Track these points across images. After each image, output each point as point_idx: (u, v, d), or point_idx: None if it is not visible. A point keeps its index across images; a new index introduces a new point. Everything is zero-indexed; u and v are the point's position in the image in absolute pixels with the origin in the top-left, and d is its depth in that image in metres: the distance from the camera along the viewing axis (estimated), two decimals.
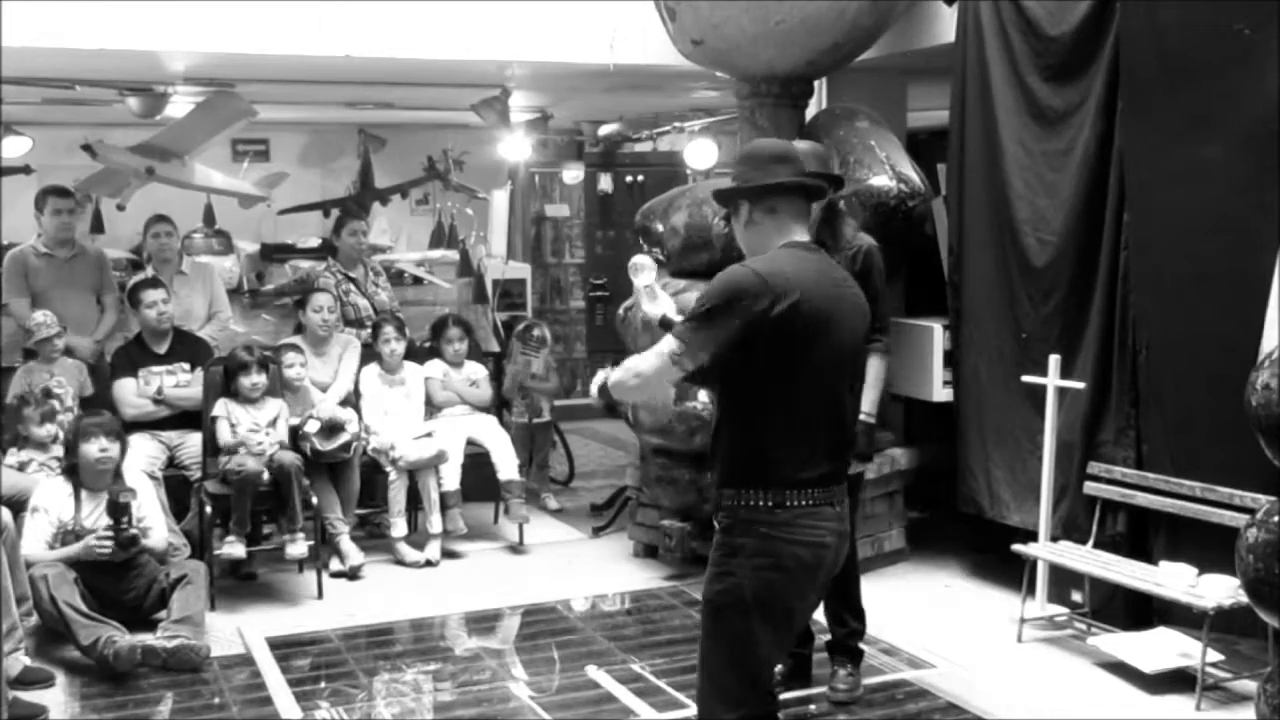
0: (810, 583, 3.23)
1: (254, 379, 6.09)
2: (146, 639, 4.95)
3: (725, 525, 3.24)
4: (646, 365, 3.15)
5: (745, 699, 3.23)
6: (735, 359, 3.12)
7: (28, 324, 6.37)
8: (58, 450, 5.67)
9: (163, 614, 5.19)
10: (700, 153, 9.66)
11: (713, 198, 3.51)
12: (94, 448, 5.26)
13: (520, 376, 7.67)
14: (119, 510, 5.05)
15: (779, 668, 4.47)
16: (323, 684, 4.95)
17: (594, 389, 3.32)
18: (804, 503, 3.16)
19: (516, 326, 7.95)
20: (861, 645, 4.80)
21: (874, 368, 4.60)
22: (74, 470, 5.30)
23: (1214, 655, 4.63)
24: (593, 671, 5.01)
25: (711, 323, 3.09)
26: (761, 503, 3.16)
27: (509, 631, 5.75)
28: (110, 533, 5.04)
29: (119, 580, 5.19)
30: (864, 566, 6.10)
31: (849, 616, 4.74)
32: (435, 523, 6.59)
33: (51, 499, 5.25)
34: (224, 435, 6.01)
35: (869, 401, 4.55)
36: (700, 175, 9.73)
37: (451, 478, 6.61)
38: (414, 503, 6.71)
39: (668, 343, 3.13)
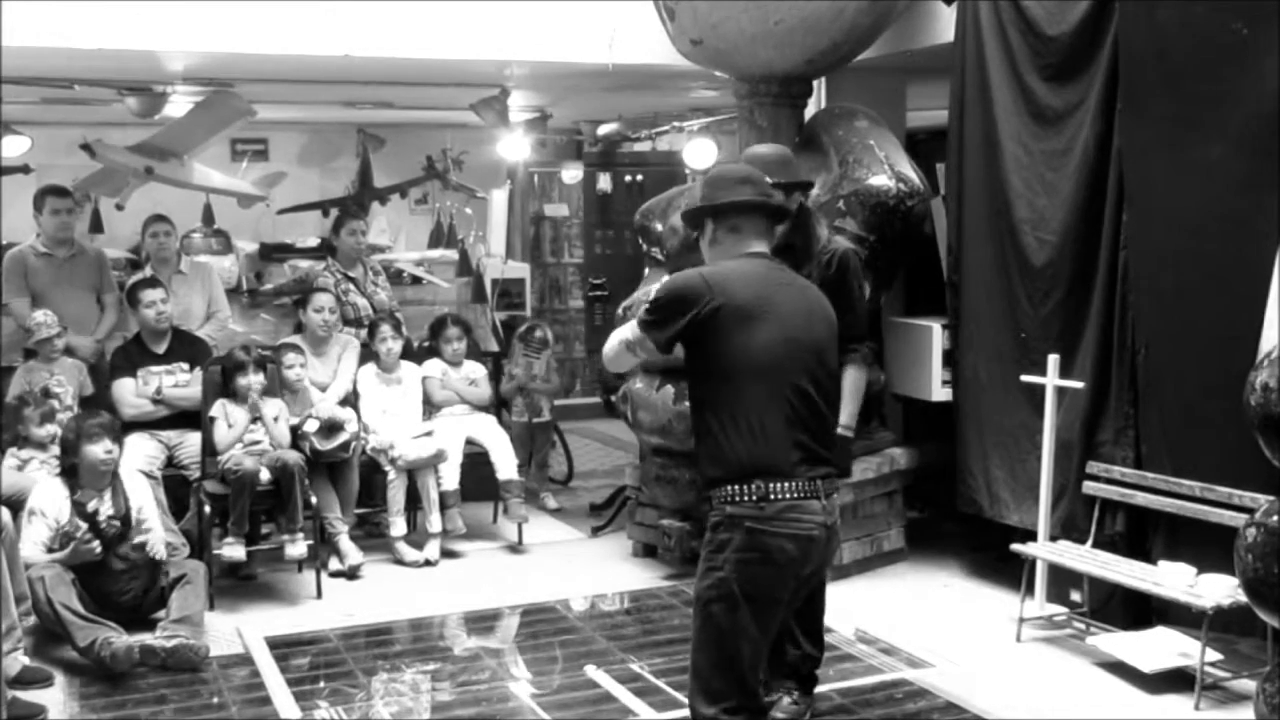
0: (795, 575, 3.30)
1: (250, 379, 6.08)
2: (145, 639, 4.95)
3: (714, 523, 3.33)
4: (610, 347, 3.58)
5: (727, 693, 3.31)
6: (688, 353, 3.37)
7: (28, 324, 6.36)
8: (58, 450, 5.67)
9: (161, 614, 5.19)
10: (699, 152, 9.66)
11: (680, 219, 3.73)
12: (99, 449, 5.26)
13: (523, 378, 7.67)
14: (87, 516, 5.07)
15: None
16: (322, 684, 4.95)
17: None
18: (789, 496, 3.24)
19: (518, 327, 7.94)
20: (815, 674, 4.43)
21: (851, 379, 4.40)
22: (72, 471, 5.30)
23: (1213, 655, 4.63)
24: (592, 671, 5.01)
25: (658, 322, 3.38)
26: (748, 498, 3.24)
27: (508, 631, 5.75)
28: (90, 533, 5.04)
29: (115, 580, 5.19)
30: (863, 566, 6.14)
31: (806, 640, 4.33)
32: (434, 522, 6.59)
33: (49, 501, 5.24)
34: (221, 435, 6.01)
35: (846, 414, 4.38)
36: (699, 175, 9.73)
37: (450, 477, 6.61)
38: (413, 502, 6.71)
39: (630, 329, 3.47)
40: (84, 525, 5.06)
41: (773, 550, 3.23)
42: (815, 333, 3.42)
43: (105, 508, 5.20)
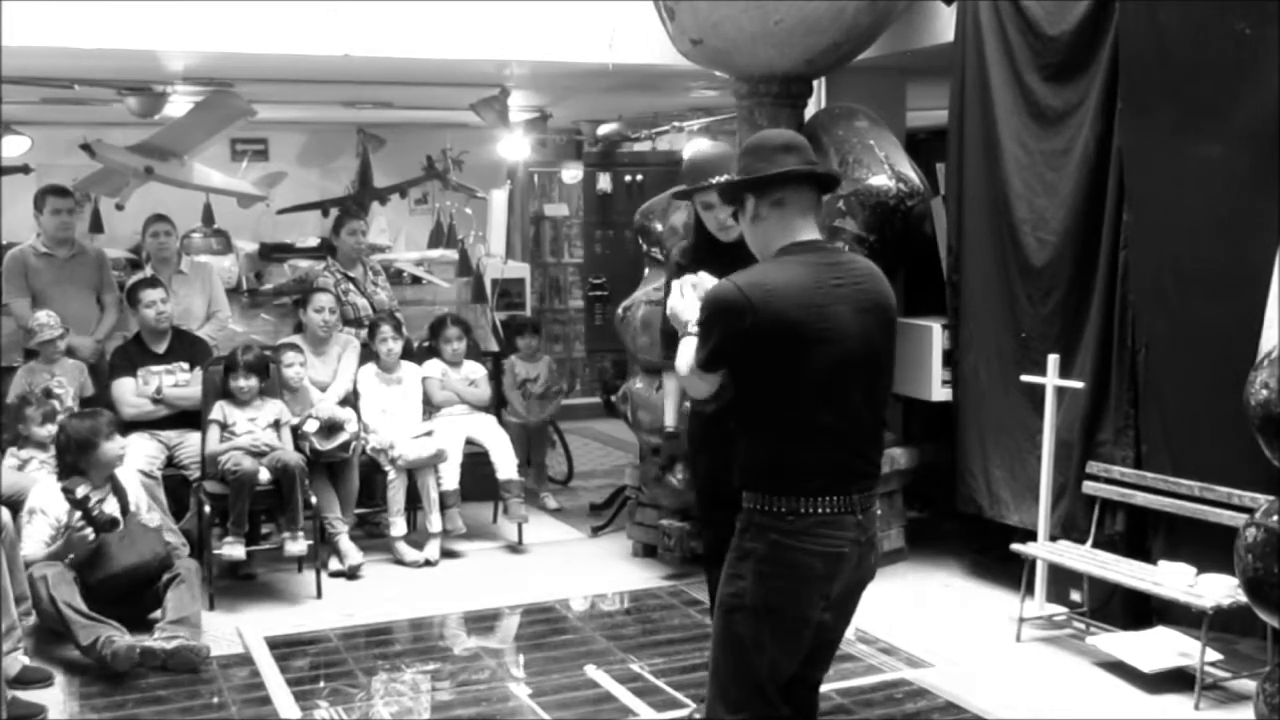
0: (822, 593, 3.13)
1: (241, 382, 6.08)
2: (145, 639, 4.95)
3: (741, 528, 3.18)
4: (683, 369, 3.18)
5: (747, 703, 3.19)
6: (736, 366, 3.11)
7: (28, 324, 6.36)
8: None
9: (158, 614, 5.18)
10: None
11: (718, 195, 3.38)
12: (115, 445, 5.35)
13: (534, 422, 7.74)
14: (80, 503, 5.08)
15: None
16: (322, 684, 4.95)
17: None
18: (821, 510, 3.07)
19: (534, 390, 7.83)
20: None
21: None
22: (72, 471, 5.29)
23: (1213, 654, 4.63)
24: (592, 671, 5.01)
25: (713, 354, 3.09)
26: (777, 508, 3.09)
27: (508, 631, 5.75)
28: (83, 521, 5.04)
29: (117, 571, 5.17)
30: None
31: None
32: (434, 522, 6.59)
33: (49, 500, 5.24)
34: (212, 442, 6.00)
35: None
36: None
37: (450, 477, 6.61)
38: (413, 502, 6.71)
39: (692, 344, 3.16)
40: (77, 513, 5.06)
41: (797, 566, 3.07)
42: (870, 337, 3.13)
43: (95, 495, 5.20)
